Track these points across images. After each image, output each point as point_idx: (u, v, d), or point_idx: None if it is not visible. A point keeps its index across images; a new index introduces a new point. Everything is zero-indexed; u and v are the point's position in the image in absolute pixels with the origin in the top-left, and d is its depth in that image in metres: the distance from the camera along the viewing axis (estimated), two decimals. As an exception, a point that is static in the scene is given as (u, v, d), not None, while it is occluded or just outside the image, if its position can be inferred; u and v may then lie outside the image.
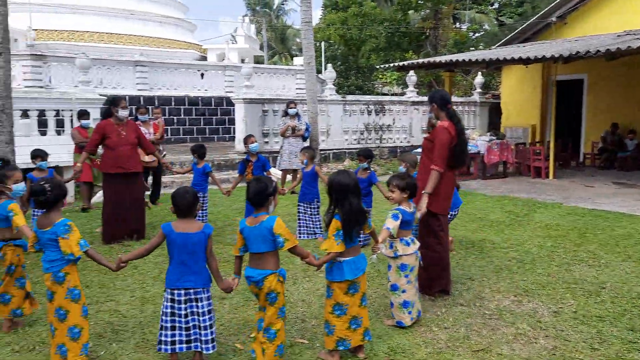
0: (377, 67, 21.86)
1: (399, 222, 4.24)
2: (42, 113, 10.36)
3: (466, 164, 5.49)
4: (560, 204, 9.54)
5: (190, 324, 3.56)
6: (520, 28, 16.83)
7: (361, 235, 3.94)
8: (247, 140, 7.36)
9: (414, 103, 16.42)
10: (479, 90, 17.74)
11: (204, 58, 26.84)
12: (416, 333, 4.21)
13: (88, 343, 3.70)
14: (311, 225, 7.13)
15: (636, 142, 14.15)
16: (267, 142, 13.42)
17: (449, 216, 4.64)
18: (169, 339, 3.55)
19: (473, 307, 4.73)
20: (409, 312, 4.29)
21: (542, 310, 4.66)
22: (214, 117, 17.65)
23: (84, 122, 8.99)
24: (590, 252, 6.41)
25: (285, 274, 3.68)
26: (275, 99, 13.94)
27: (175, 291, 3.54)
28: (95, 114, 10.21)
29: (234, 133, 14.51)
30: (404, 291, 4.29)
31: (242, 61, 26.02)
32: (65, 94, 10.90)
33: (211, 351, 3.62)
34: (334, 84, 15.48)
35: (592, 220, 8.16)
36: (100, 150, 7.10)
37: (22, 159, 7.56)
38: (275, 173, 10.75)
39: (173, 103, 16.80)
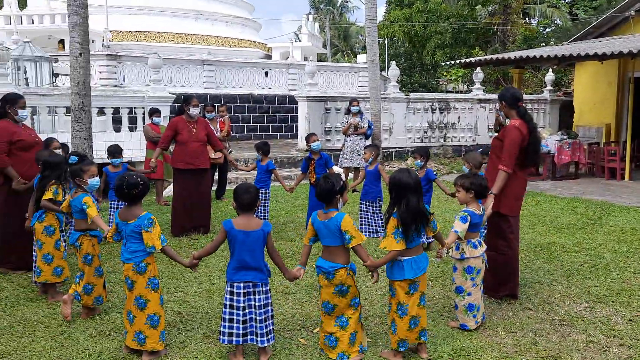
0: (442, 64, 21.49)
1: (467, 224, 4.16)
2: (116, 110, 10.87)
3: (538, 163, 5.32)
4: (636, 207, 9.05)
5: (247, 317, 3.66)
6: (596, 22, 16.06)
7: (425, 237, 3.90)
8: (309, 138, 7.41)
9: (480, 101, 16.01)
10: (549, 87, 17.08)
11: (269, 56, 27.24)
12: (481, 336, 4.12)
13: (164, 330, 3.87)
14: (373, 224, 7.10)
15: None
16: (329, 140, 13.47)
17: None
18: (226, 330, 3.68)
19: (541, 312, 4.58)
20: (474, 316, 4.21)
21: (616, 318, 4.45)
22: (277, 115, 17.92)
23: (155, 119, 9.35)
24: (670, 259, 6.05)
25: (355, 269, 3.73)
26: (337, 96, 13.96)
27: (235, 284, 3.67)
28: (165, 111, 10.61)
29: (297, 130, 14.67)
30: (469, 294, 4.21)
31: (306, 59, 26.17)
32: (137, 92, 11.38)
33: (267, 344, 3.70)
34: (397, 82, 15.34)
35: (672, 225, 7.70)
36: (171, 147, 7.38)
37: (98, 154, 7.97)
38: (337, 171, 10.79)
39: (238, 101, 17.19)
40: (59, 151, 5.80)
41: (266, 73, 18.39)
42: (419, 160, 6.61)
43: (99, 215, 4.48)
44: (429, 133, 15.29)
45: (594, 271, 5.68)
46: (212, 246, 3.82)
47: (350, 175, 11.11)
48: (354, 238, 3.56)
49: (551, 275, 5.55)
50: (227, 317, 3.68)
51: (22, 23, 22.13)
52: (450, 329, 4.25)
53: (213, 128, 9.14)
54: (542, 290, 5.11)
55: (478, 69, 16.32)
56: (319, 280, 3.75)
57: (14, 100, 5.58)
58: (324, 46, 36.78)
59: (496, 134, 5.02)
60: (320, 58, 33.59)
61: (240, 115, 17.18)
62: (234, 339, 3.67)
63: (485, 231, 4.92)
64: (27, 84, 12.73)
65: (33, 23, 22.24)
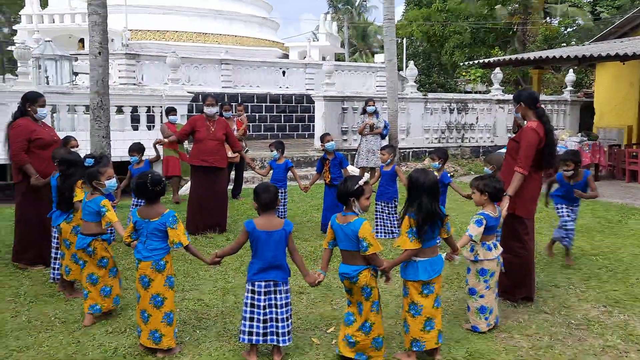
0: (461, 64, 21.31)
1: (482, 228, 4.12)
2: (134, 109, 10.98)
3: (554, 166, 5.25)
4: (658, 210, 8.89)
5: (268, 317, 3.67)
6: (618, 22, 15.80)
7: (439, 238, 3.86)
8: (323, 138, 7.40)
9: (499, 101, 15.86)
10: (570, 88, 16.86)
11: (286, 56, 27.28)
12: (496, 339, 4.08)
13: (177, 328, 3.91)
14: (389, 225, 7.07)
15: None
16: (345, 140, 13.45)
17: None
18: (246, 329, 3.69)
19: (558, 316, 4.52)
20: (486, 318, 4.17)
21: (635, 323, 4.38)
22: (294, 114, 17.94)
23: (171, 117, 9.44)
24: (692, 264, 5.93)
25: (377, 269, 3.69)
26: (354, 96, 13.93)
27: (256, 282, 3.68)
28: (182, 110, 10.68)
29: (313, 130, 14.68)
30: (481, 296, 4.18)
31: (323, 59, 26.15)
32: (156, 91, 11.49)
33: (287, 343, 3.71)
34: (415, 82, 15.26)
35: (694, 229, 7.55)
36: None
37: (117, 152, 8.04)
38: (352, 170, 10.76)
39: (255, 100, 17.25)
40: (76, 149, 5.85)
41: (283, 72, 18.43)
42: (437, 162, 6.50)
43: (119, 220, 4.44)
44: (447, 134, 15.19)
45: (613, 275, 5.59)
46: (235, 246, 3.84)
47: (367, 175, 11.06)
48: (371, 246, 3.52)
49: (568, 278, 5.48)
50: (247, 315, 3.69)
51: (43, 22, 22.45)
52: (464, 331, 4.22)
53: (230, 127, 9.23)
54: (558, 293, 5.05)
55: (497, 69, 16.17)
56: (345, 285, 3.71)
57: (34, 99, 5.67)
58: (342, 46, 36.73)
59: (513, 135, 4.96)
60: (338, 57, 33.56)
61: (257, 114, 17.23)
62: (254, 337, 3.68)
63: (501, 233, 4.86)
64: (47, 83, 12.94)
65: (54, 22, 22.54)
